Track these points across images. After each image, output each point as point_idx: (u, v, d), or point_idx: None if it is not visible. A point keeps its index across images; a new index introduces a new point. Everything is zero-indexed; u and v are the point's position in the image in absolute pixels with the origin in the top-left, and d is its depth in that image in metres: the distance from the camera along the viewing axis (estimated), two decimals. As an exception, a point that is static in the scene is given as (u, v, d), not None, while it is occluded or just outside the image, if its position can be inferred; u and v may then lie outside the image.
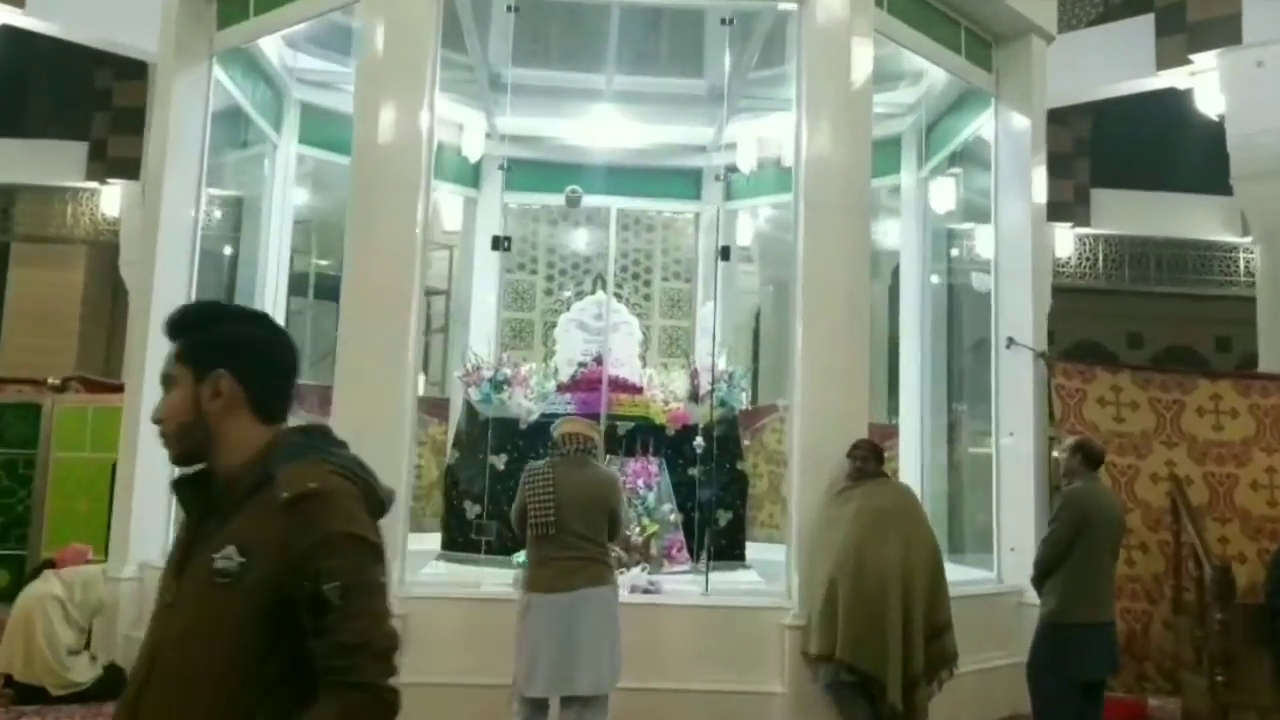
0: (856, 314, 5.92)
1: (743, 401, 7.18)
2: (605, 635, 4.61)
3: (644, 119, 9.02)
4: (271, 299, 8.25)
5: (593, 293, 8.77)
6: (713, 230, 9.48)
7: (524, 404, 7.45)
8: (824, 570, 5.32)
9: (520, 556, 5.78)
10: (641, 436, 6.71)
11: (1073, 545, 4.84)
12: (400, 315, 5.67)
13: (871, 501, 5.37)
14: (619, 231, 9.38)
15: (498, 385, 6.83)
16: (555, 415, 7.11)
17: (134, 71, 11.73)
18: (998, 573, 6.71)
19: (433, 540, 6.95)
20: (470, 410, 6.93)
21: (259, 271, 8.26)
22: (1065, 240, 13.07)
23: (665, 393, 7.82)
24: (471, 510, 6.77)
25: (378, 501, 1.77)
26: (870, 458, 5.53)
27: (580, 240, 9.61)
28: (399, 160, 5.78)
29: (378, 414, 5.57)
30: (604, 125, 9.03)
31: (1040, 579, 4.97)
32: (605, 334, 7.48)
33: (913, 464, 8.05)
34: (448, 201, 9.58)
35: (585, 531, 4.66)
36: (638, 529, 6.17)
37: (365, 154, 5.86)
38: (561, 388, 7.40)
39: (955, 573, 5.98)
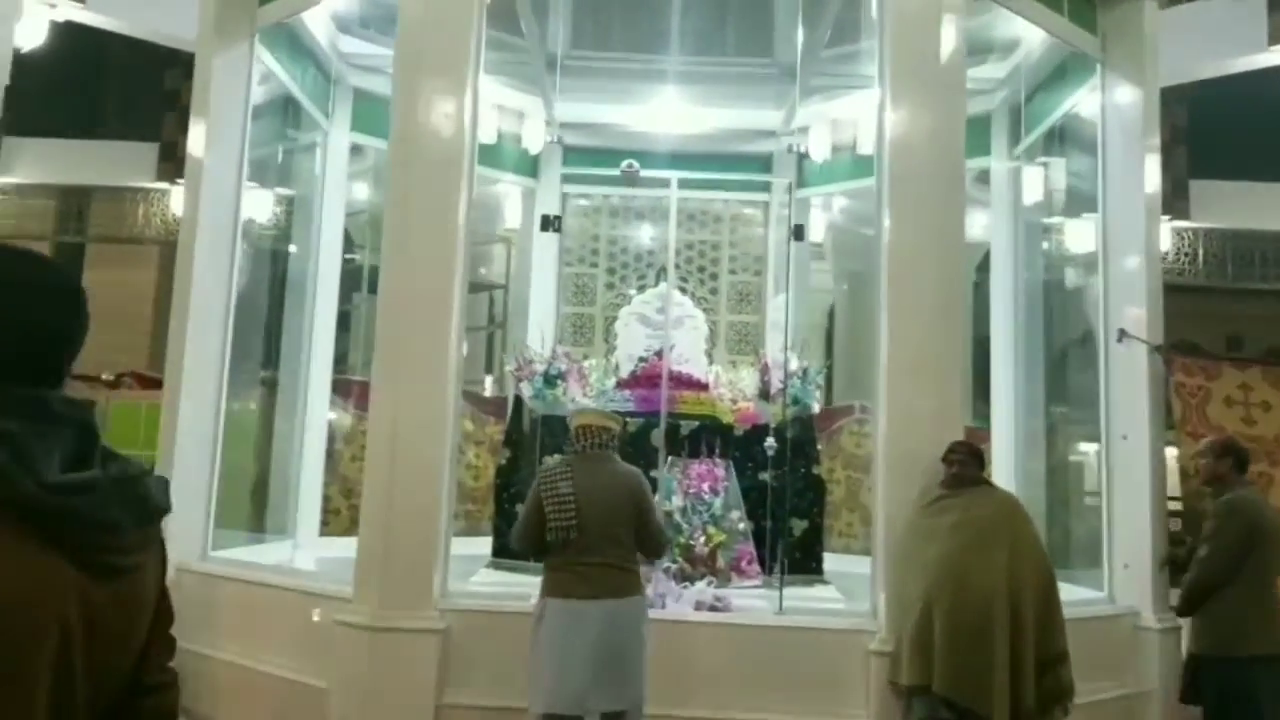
0: (949, 306, 5.16)
1: (817, 401, 6.42)
2: (635, 651, 4.09)
3: (709, 102, 8.34)
4: (325, 294, 7.74)
5: (655, 285, 8.08)
6: (783, 220, 8.74)
7: (582, 402, 6.78)
8: (917, 589, 4.57)
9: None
10: (706, 437, 6.00)
11: (1241, 563, 3.99)
12: (440, 311, 5.09)
13: (972, 512, 4.61)
14: (683, 222, 8.70)
15: (551, 380, 6.19)
16: (581, 410, 6.46)
17: (199, 69, 11.38)
18: (1109, 592, 5.86)
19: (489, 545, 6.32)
20: (521, 408, 6.29)
21: (310, 266, 7.76)
22: (1162, 234, 12.00)
23: (733, 391, 7.10)
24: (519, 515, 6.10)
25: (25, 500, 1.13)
26: (969, 461, 4.76)
27: (643, 231, 8.93)
28: (438, 148, 5.18)
29: (416, 413, 4.98)
30: (667, 110, 8.37)
31: (1194, 604, 4.14)
32: (666, 328, 6.78)
33: (1006, 471, 7.22)
34: (508, 194, 9.00)
35: (611, 536, 4.16)
36: (702, 538, 5.47)
37: (403, 142, 5.27)
38: (621, 383, 6.73)
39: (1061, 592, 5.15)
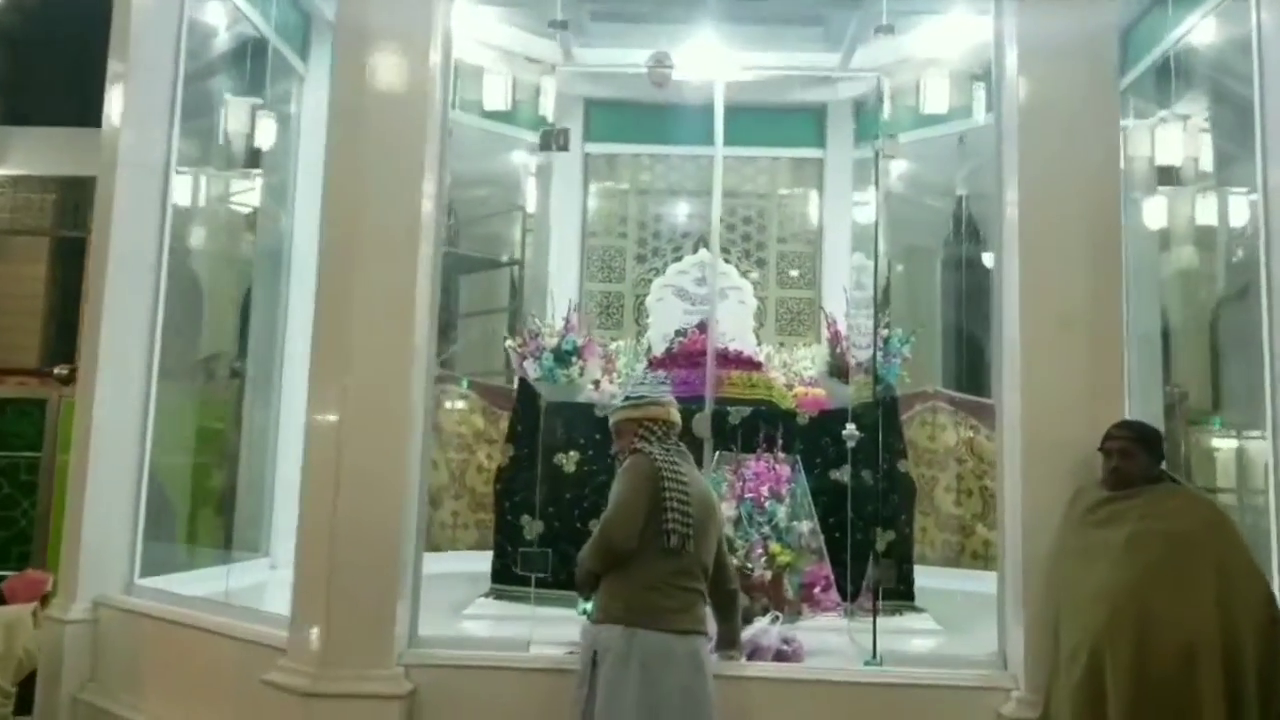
0: (1103, 254, 3.65)
1: (905, 377, 4.87)
2: (708, 708, 3.10)
3: (752, 44, 6.83)
4: (302, 271, 6.33)
5: (694, 252, 6.59)
6: (839, 176, 7.24)
7: (606, 388, 5.31)
8: (1077, 631, 3.08)
9: (587, 606, 3.64)
10: (763, 426, 4.48)
11: None
12: (399, 289, 3.67)
13: (1155, 522, 3.09)
14: (725, 183, 7.22)
15: (563, 357, 4.72)
16: (643, 398, 4.96)
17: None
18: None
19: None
20: (528, 393, 4.81)
21: (285, 239, 6.38)
22: None
23: (788, 374, 5.60)
24: (532, 528, 4.64)
25: None
26: (1136, 450, 3.23)
27: (679, 192, 7.44)
28: (397, 106, 3.77)
29: (370, 412, 3.58)
30: (704, 54, 6.89)
31: None
32: (712, 300, 5.29)
33: None
34: (517, 153, 7.57)
35: (707, 558, 3.26)
36: (763, 558, 3.95)
37: (349, 107, 3.87)
38: (654, 363, 5.24)
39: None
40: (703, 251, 6.53)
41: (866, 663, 3.59)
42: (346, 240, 3.77)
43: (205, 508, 5.74)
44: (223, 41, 6.10)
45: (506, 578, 4.60)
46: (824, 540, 4.12)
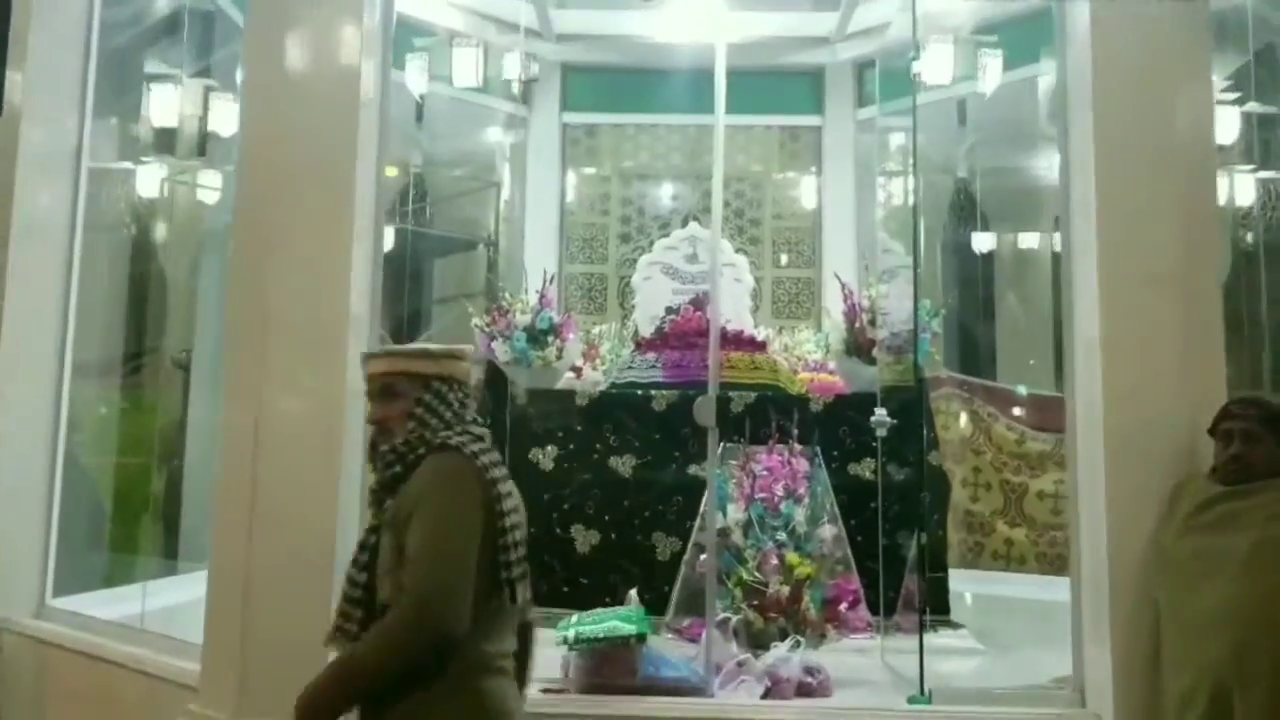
0: (1198, 205, 2.89)
1: (934, 354, 4.13)
2: None
3: (744, 3, 6.09)
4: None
5: (683, 227, 5.84)
6: (843, 146, 6.51)
7: (589, 375, 4.57)
8: (1191, 663, 2.36)
9: (573, 627, 2.92)
10: (773, 414, 3.72)
11: None
12: (330, 269, 2.92)
13: (1288, 522, 2.36)
14: (707, 153, 6.48)
15: (537, 337, 3.96)
16: (634, 384, 4.22)
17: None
18: None
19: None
20: (496, 379, 4.05)
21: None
22: None
23: (789, 358, 4.87)
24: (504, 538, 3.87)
25: None
26: (1262, 433, 2.50)
27: (665, 168, 6.68)
28: (321, 79, 3.03)
29: (295, 415, 2.82)
30: (693, 15, 6.15)
31: None
32: (714, 270, 4.53)
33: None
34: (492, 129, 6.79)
35: None
36: (778, 572, 3.19)
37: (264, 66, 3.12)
38: (642, 344, 4.49)
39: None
40: (693, 225, 5.79)
41: (911, 699, 2.86)
42: (262, 217, 3.00)
43: (145, 514, 4.95)
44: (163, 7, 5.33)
45: None
46: (849, 547, 3.37)
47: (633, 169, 6.68)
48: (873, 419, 3.45)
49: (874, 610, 3.40)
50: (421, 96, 6.38)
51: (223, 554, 2.77)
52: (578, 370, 4.83)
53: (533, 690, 2.89)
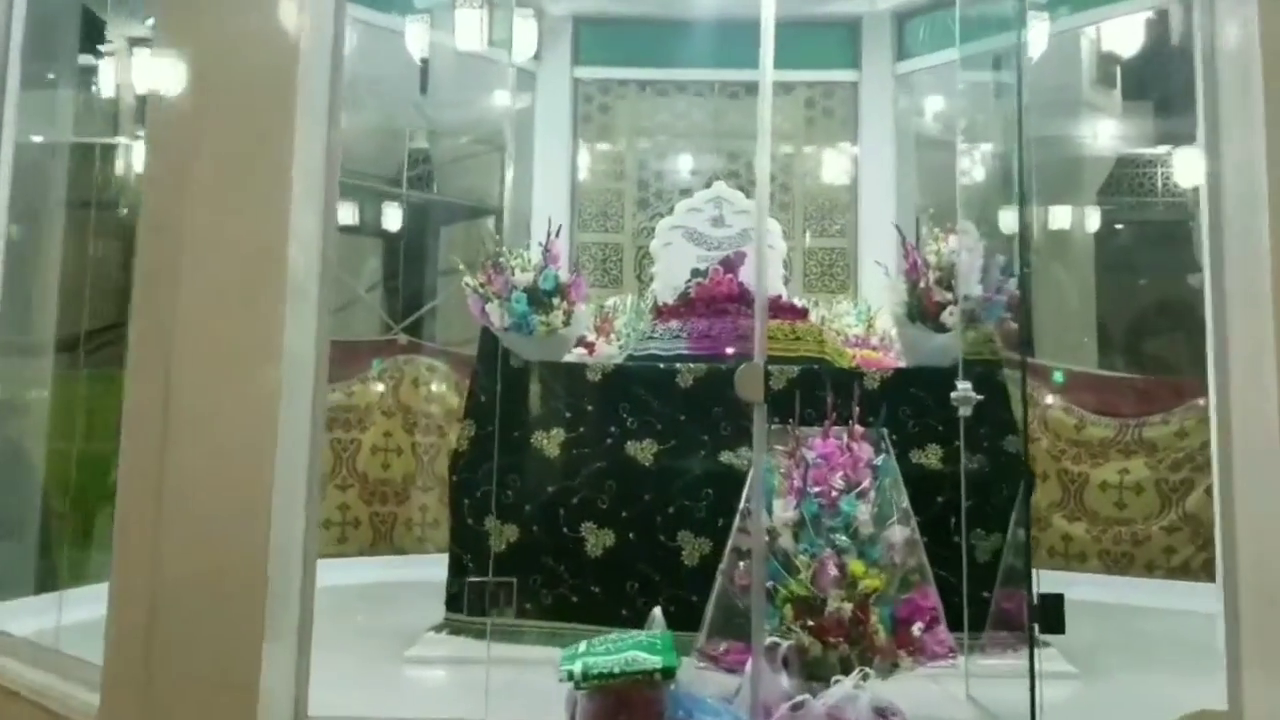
0: None
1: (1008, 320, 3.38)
2: None
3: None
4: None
5: (708, 186, 5.12)
6: (881, 102, 5.79)
7: (603, 349, 3.87)
8: None
9: (580, 658, 2.23)
10: (823, 391, 2.99)
11: None
12: (265, 231, 2.20)
13: None
14: (731, 112, 5.77)
15: (540, 299, 3.25)
16: (654, 357, 3.52)
17: None
18: None
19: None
20: (492, 350, 3.34)
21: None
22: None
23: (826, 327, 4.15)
24: (501, 535, 3.19)
25: None
26: None
27: (687, 128, 5.95)
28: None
29: (218, 404, 2.10)
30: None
31: None
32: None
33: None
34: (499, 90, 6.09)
35: None
36: (839, 585, 2.48)
37: None
38: (665, 312, 3.78)
39: None
40: (719, 185, 5.06)
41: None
42: (177, 170, 2.30)
43: (80, 509, 4.28)
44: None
45: (462, 604, 3.15)
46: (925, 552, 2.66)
47: (651, 129, 5.97)
48: (954, 394, 2.74)
49: (953, 627, 2.68)
50: (424, 60, 5.73)
51: (125, 562, 2.09)
52: (589, 346, 4.15)
53: (529, 740, 2.22)
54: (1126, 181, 8.00)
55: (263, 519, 2.03)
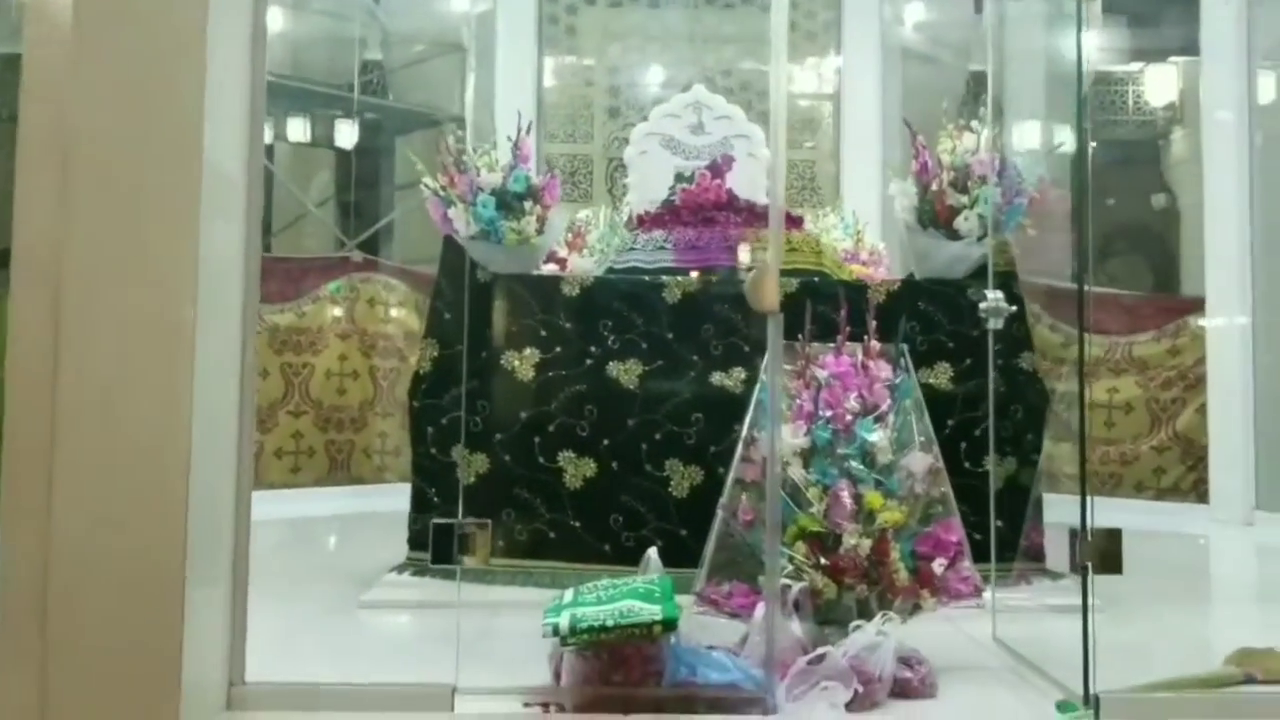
0: None
1: (1019, 231, 3.02)
2: None
3: None
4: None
5: (685, 91, 4.65)
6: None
7: (577, 263, 3.46)
8: None
9: (567, 608, 1.88)
10: (822, 305, 2.63)
11: None
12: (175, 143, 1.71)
13: None
14: (708, 16, 5.28)
15: (510, 203, 2.82)
16: (637, 270, 3.13)
17: None
18: None
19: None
20: (457, 260, 2.91)
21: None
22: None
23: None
24: (471, 465, 2.81)
25: None
26: None
27: (660, 30, 5.46)
28: None
29: (118, 340, 1.65)
30: None
31: None
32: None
33: (1233, 374, 4.04)
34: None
35: None
36: (855, 519, 2.16)
37: None
38: (646, 220, 3.36)
39: None
40: (699, 89, 4.61)
41: (1064, 707, 1.86)
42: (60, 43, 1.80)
43: None
44: None
45: (431, 550, 2.77)
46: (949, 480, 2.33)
47: (622, 31, 5.47)
48: (984, 304, 2.38)
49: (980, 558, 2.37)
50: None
51: (13, 513, 1.68)
52: (561, 262, 3.73)
53: (511, 704, 1.88)
54: (1098, 99, 7.68)
55: (179, 455, 1.62)
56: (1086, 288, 2.09)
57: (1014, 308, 2.44)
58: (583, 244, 3.99)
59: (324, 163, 6.17)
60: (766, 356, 1.98)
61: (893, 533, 2.19)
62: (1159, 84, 7.34)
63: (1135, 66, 7.37)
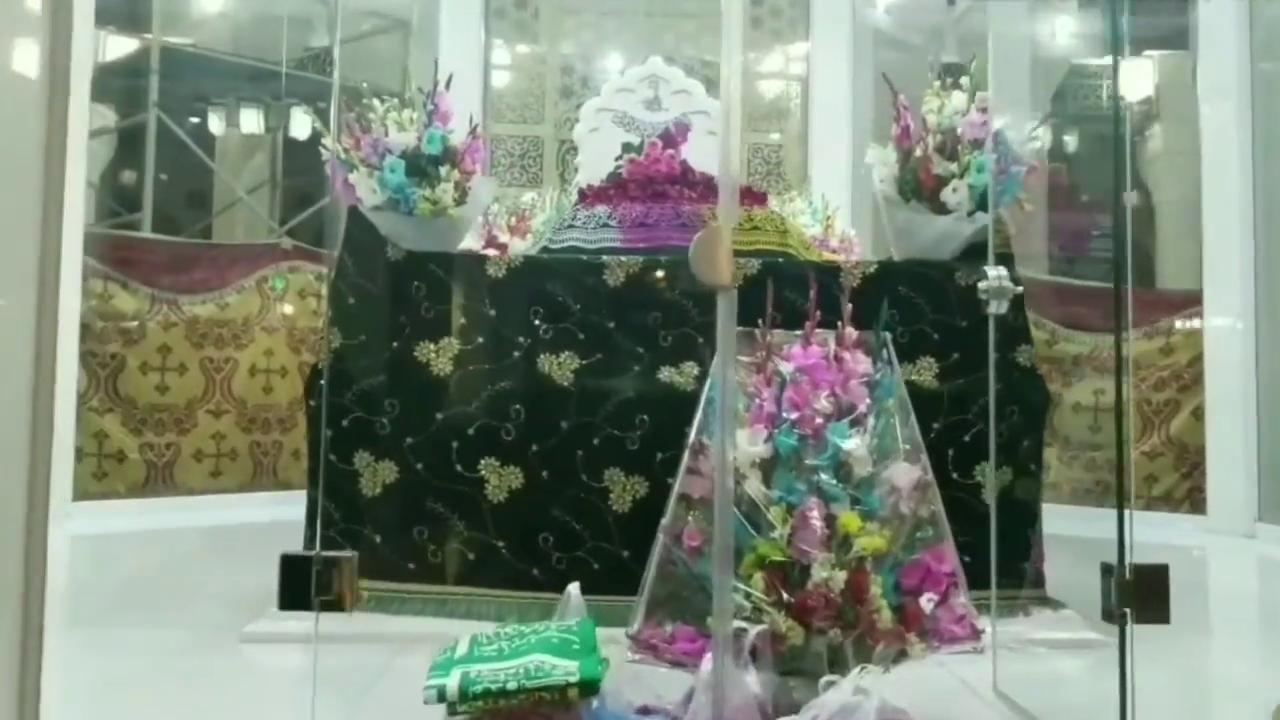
0: None
1: (1016, 205, 2.61)
2: None
3: None
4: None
5: (643, 64, 4.22)
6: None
7: (519, 247, 3.02)
8: None
9: (458, 665, 1.41)
10: (789, 290, 2.20)
11: None
12: None
13: None
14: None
15: (423, 168, 2.36)
16: (575, 249, 2.69)
17: None
18: None
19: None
20: (363, 235, 2.45)
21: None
22: None
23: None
24: (376, 475, 2.35)
25: None
26: None
27: (611, 2, 5.02)
28: None
29: None
30: None
31: None
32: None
33: (1232, 372, 3.70)
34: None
35: None
36: (825, 546, 1.74)
37: None
38: (589, 195, 2.90)
39: None
40: (655, 61, 4.17)
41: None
42: None
43: None
44: None
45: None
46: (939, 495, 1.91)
47: (575, 5, 5.02)
48: (983, 284, 1.96)
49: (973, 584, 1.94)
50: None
51: None
52: (502, 248, 3.28)
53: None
54: (1072, 93, 7.36)
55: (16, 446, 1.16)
56: (1124, 285, 1.67)
57: (1020, 288, 2.03)
58: (526, 229, 3.55)
59: (260, 145, 5.68)
60: (719, 337, 1.54)
61: (872, 562, 1.76)
62: (1135, 78, 7.04)
63: (1110, 60, 7.07)
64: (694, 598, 1.77)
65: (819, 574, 1.72)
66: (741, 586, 1.70)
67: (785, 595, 1.71)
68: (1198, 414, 4.00)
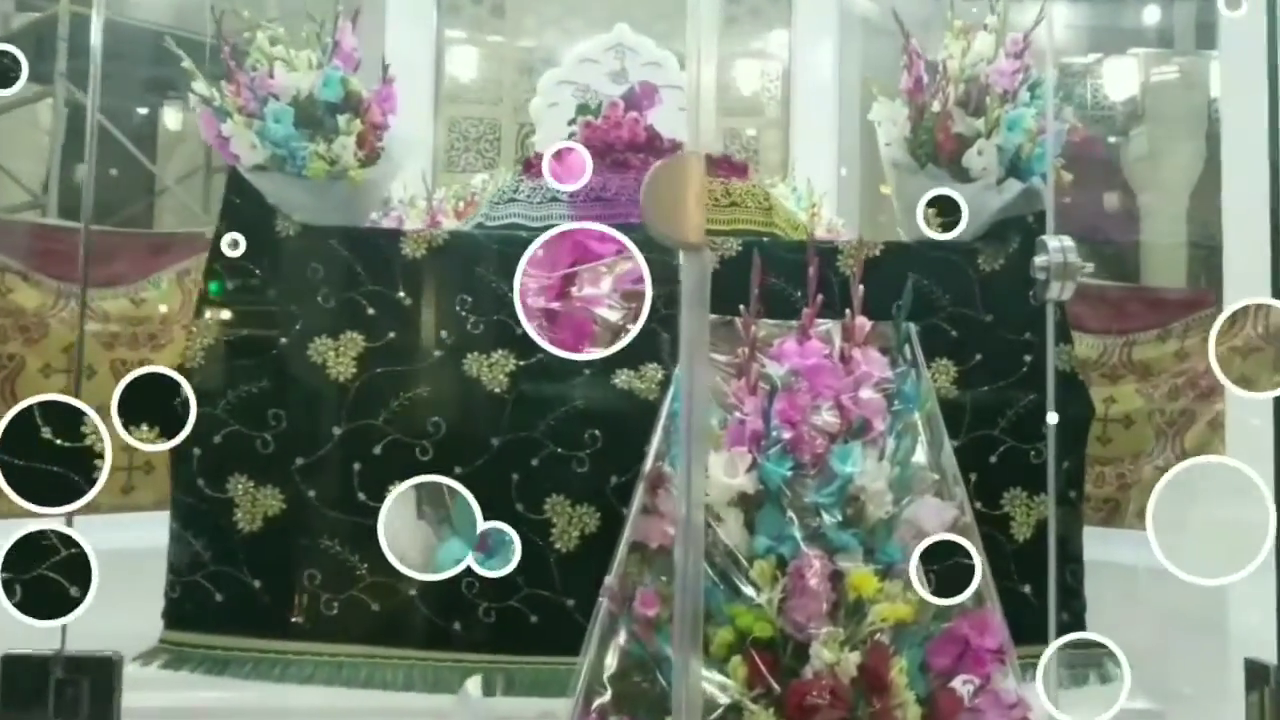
0: None
1: (1059, 178, 2.14)
2: None
3: None
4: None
5: (608, 32, 3.72)
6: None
7: (446, 224, 2.52)
8: None
9: None
10: (778, 275, 1.71)
11: None
12: None
13: None
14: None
15: (316, 118, 1.84)
16: (518, 227, 2.17)
17: None
18: None
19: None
20: (243, 202, 1.93)
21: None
22: None
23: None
24: (255, 506, 1.82)
25: None
26: None
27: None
28: None
29: None
30: None
31: None
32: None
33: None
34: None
35: None
36: (826, 619, 1.24)
37: None
38: (534, 164, 2.39)
39: None
40: (621, 28, 3.68)
41: None
42: None
43: None
44: None
45: (188, 615, 1.80)
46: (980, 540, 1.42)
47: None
48: (1039, 260, 1.43)
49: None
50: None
51: None
52: (441, 223, 2.79)
53: None
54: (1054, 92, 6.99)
55: None
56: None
57: (1090, 265, 1.54)
58: (470, 207, 3.05)
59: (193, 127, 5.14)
60: (683, 328, 1.05)
61: (894, 636, 1.26)
62: (1119, 77, 6.70)
63: (1092, 58, 6.73)
64: (650, 688, 1.27)
65: (822, 656, 1.22)
66: (714, 675, 1.20)
67: (775, 685, 1.21)
68: (1216, 425, 3.57)
